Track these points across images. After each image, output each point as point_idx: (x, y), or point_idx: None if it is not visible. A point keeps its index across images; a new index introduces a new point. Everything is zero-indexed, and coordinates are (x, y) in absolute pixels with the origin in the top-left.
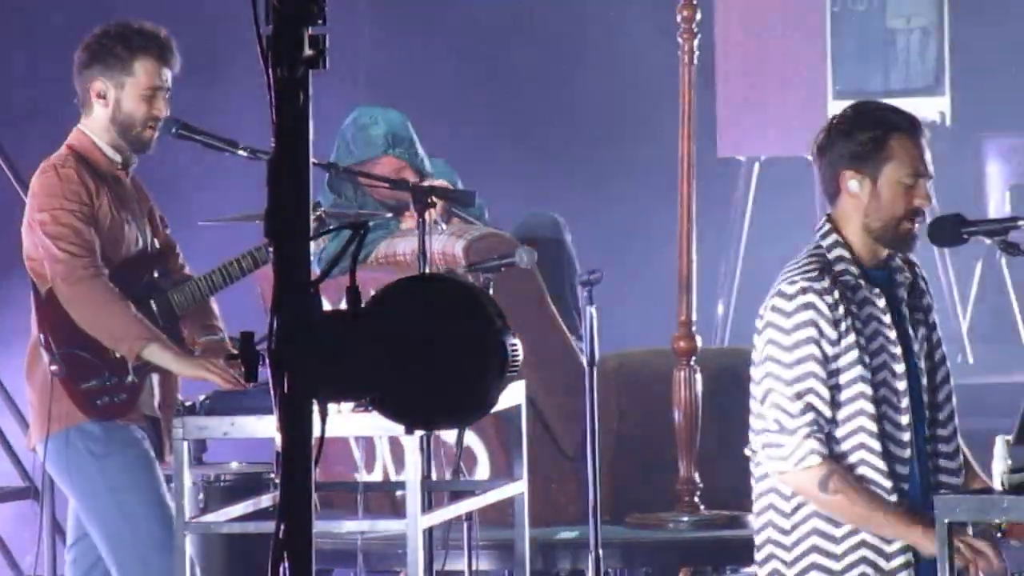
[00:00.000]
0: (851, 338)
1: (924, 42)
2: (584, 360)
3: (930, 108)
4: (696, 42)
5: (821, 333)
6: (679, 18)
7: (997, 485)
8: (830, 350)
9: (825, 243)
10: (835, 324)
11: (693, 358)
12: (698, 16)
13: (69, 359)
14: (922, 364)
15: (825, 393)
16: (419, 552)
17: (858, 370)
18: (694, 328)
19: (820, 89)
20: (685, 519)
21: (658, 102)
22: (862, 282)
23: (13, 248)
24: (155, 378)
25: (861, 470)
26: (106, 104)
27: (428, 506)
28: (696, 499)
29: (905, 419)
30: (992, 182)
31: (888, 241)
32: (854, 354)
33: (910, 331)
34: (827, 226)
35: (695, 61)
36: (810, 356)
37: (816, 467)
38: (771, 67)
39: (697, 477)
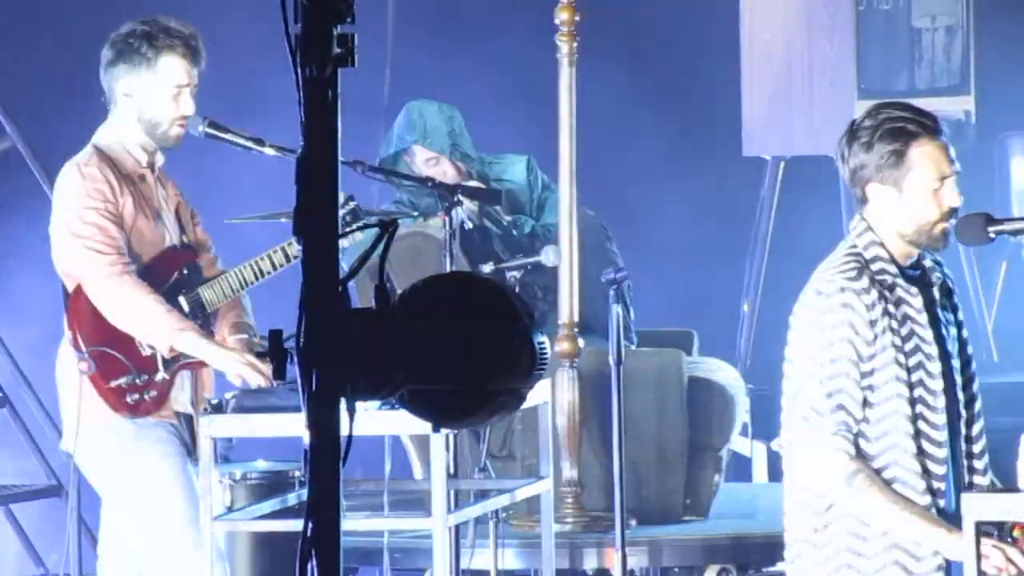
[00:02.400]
0: (887, 338)
1: (949, 41)
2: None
3: (955, 107)
4: (575, 44)
5: (856, 333)
6: (557, 20)
7: (1023, 484)
8: (865, 350)
9: (861, 241)
10: (871, 324)
11: (575, 360)
12: (577, 18)
13: (98, 357)
14: (955, 362)
15: (857, 393)
16: (445, 550)
17: (894, 369)
18: (576, 330)
19: (846, 88)
20: (568, 521)
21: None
22: (899, 281)
23: (45, 249)
24: (187, 375)
25: (895, 470)
26: (132, 102)
27: (454, 504)
28: (578, 500)
29: (941, 419)
30: (1018, 181)
31: (924, 243)
32: (890, 354)
33: (944, 330)
34: (863, 224)
35: (574, 64)
36: (844, 356)
37: (843, 464)
38: (796, 66)
39: (577, 478)
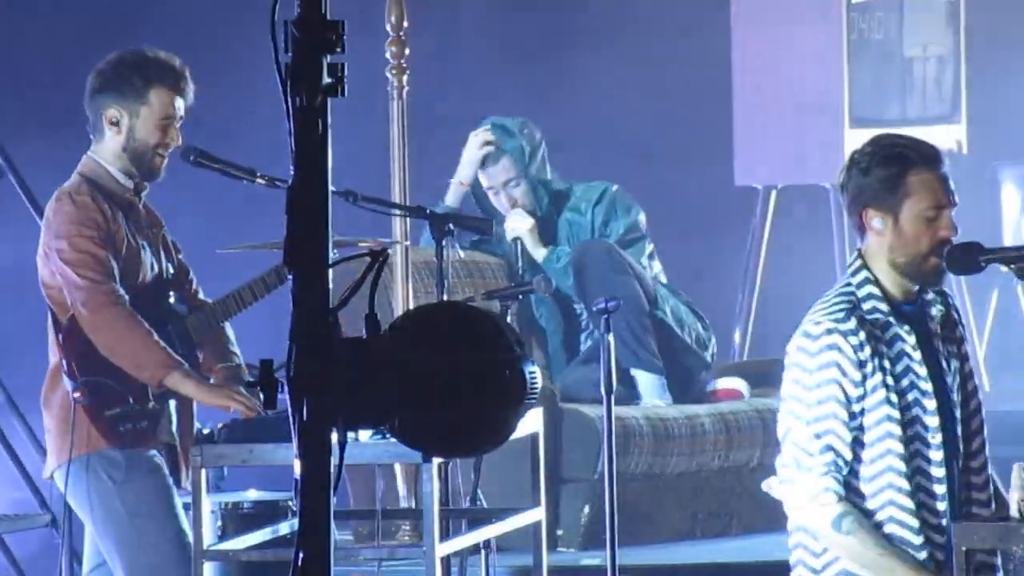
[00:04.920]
0: (877, 378)
1: (941, 70)
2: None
3: (947, 136)
4: (406, 77)
5: (844, 374)
6: (388, 54)
7: (1015, 513)
8: (853, 392)
9: (855, 280)
10: (860, 365)
11: None
12: (407, 51)
13: (92, 386)
14: (955, 396)
15: (845, 434)
16: None
17: (885, 410)
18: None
19: (837, 117)
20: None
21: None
22: (891, 319)
23: (33, 280)
24: (173, 404)
25: (889, 510)
26: (119, 131)
27: (446, 533)
28: (416, 528)
29: (938, 456)
30: (1009, 210)
31: (915, 277)
32: (881, 394)
33: (943, 364)
34: (858, 262)
35: (404, 96)
36: (832, 397)
37: (831, 505)
38: (788, 95)
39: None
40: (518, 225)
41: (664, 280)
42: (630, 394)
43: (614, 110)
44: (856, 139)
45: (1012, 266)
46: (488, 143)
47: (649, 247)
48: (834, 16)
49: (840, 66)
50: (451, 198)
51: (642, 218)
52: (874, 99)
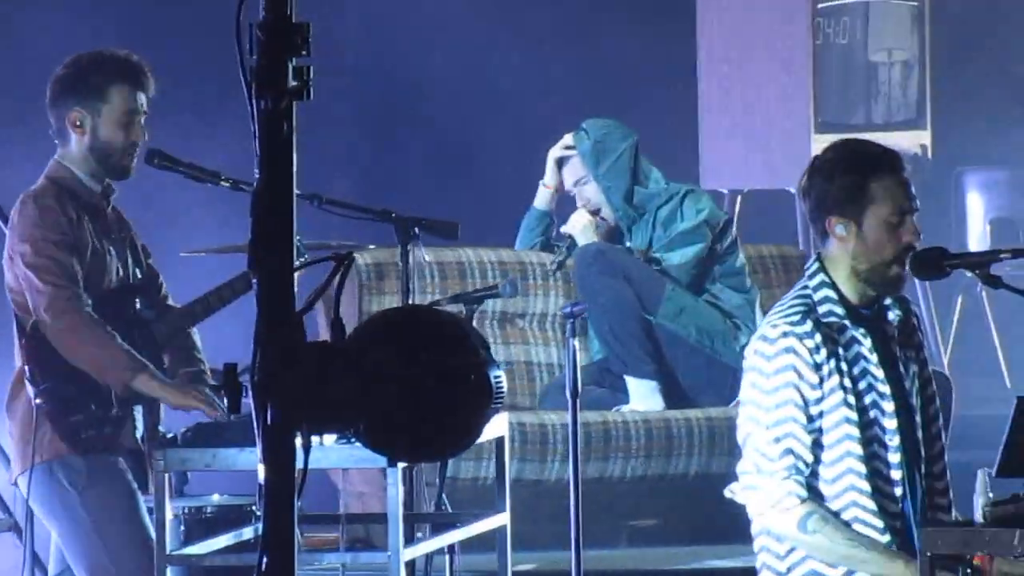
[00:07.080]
0: (834, 380)
1: (906, 75)
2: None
3: (911, 141)
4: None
5: (801, 377)
6: None
7: (979, 518)
8: (811, 394)
9: (812, 283)
10: (816, 368)
11: None
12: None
13: (55, 392)
14: (914, 401)
15: (804, 437)
16: None
17: (843, 412)
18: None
19: (802, 122)
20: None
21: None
22: (847, 323)
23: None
24: (139, 410)
25: (852, 511)
26: (83, 133)
27: (409, 538)
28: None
29: (896, 458)
30: (973, 215)
31: (876, 285)
32: (839, 396)
33: (901, 368)
34: (815, 265)
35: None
36: (789, 400)
37: (794, 508)
38: (754, 99)
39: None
40: (574, 222)
41: (748, 283)
42: (617, 398)
43: (578, 115)
44: (822, 144)
45: (977, 271)
46: (567, 147)
47: (714, 248)
48: (799, 21)
49: (805, 71)
50: (539, 200)
51: (712, 220)
52: (839, 104)
